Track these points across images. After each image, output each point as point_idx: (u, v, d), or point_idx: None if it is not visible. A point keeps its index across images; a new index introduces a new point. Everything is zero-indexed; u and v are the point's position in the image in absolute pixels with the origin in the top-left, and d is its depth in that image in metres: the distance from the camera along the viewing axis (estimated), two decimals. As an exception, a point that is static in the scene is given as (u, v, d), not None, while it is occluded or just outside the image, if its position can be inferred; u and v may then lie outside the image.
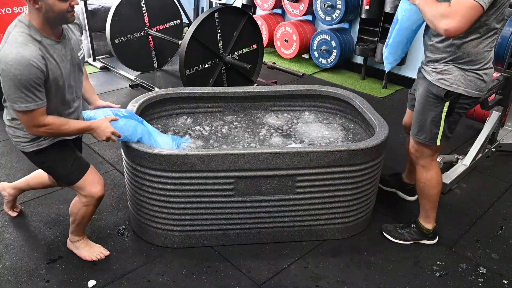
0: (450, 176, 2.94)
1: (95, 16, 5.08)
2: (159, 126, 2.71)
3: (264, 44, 4.98)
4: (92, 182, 2.07)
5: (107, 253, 2.28)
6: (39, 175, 2.42)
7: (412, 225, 2.42)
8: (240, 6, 5.51)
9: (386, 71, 2.31)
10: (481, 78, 1.99)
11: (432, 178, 2.25)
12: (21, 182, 2.48)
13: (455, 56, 1.97)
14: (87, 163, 2.12)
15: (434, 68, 2.06)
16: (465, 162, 3.09)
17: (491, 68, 2.03)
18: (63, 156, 2.05)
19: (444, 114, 2.08)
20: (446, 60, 2.00)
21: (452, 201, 2.83)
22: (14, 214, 2.55)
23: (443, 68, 2.02)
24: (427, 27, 2.09)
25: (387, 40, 2.37)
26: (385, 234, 2.44)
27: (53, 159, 2.04)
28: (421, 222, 2.39)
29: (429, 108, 2.10)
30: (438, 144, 2.16)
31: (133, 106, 2.52)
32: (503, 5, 1.85)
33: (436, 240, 2.42)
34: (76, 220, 2.16)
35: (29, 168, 3.05)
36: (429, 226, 2.38)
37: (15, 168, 3.06)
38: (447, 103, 2.05)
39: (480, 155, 3.18)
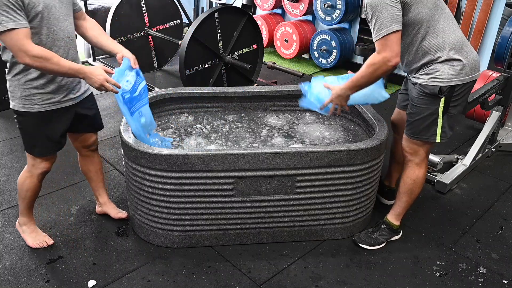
0: (450, 176, 2.94)
1: (95, 16, 5.08)
2: (160, 123, 2.71)
3: (264, 44, 4.98)
4: (44, 161, 2.15)
5: (51, 242, 2.33)
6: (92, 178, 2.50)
7: (382, 225, 2.41)
8: (240, 6, 5.51)
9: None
10: (463, 62, 2.03)
11: (422, 176, 2.27)
12: (98, 197, 2.56)
13: (429, 56, 2.04)
14: (54, 150, 2.17)
15: (421, 73, 2.10)
16: (465, 162, 3.09)
17: (467, 48, 2.06)
18: (39, 129, 2.07)
19: (441, 110, 2.10)
20: (425, 63, 2.07)
21: (452, 201, 2.83)
22: (124, 215, 2.54)
23: (429, 69, 2.06)
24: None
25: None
26: (361, 245, 2.38)
27: (29, 125, 2.07)
28: (390, 220, 2.40)
29: (425, 108, 2.11)
30: (438, 140, 2.16)
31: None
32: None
33: (401, 233, 2.46)
34: (21, 194, 2.23)
35: (29, 168, 3.05)
36: (398, 222, 2.40)
37: (15, 168, 3.06)
38: (442, 99, 2.07)
39: (480, 155, 3.18)
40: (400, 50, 1.96)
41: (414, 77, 2.15)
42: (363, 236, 2.40)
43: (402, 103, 2.47)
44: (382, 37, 1.91)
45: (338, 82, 2.24)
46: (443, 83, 2.04)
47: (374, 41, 1.97)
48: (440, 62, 2.03)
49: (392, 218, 2.40)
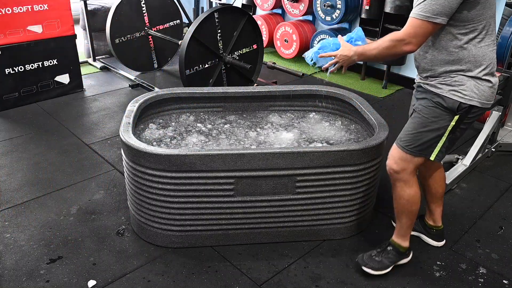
0: (450, 176, 2.94)
1: (95, 16, 5.08)
2: (161, 121, 2.71)
3: (264, 44, 4.98)
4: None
5: None
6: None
7: (388, 247, 2.20)
8: (240, 6, 5.51)
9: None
10: (490, 84, 1.85)
11: (415, 193, 2.08)
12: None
13: (461, 65, 1.82)
14: None
15: (441, 82, 1.88)
16: (465, 162, 3.09)
17: (497, 74, 1.91)
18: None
19: (449, 128, 1.91)
20: (450, 70, 1.85)
21: (452, 201, 2.83)
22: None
23: (453, 79, 1.85)
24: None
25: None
26: (365, 269, 2.16)
27: None
28: (397, 241, 2.20)
29: (433, 121, 1.91)
30: (432, 158, 1.98)
31: (133, 106, 2.52)
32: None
33: (411, 255, 2.26)
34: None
35: (29, 168, 3.06)
36: (405, 244, 2.20)
37: (15, 168, 3.06)
38: (456, 117, 1.88)
39: (480, 155, 3.18)
40: (424, 42, 1.80)
41: (429, 84, 1.93)
42: (367, 258, 2.19)
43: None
44: (420, 19, 1.71)
45: (349, 41, 2.10)
46: (464, 100, 1.83)
47: (411, 14, 1.76)
48: (469, 77, 1.83)
49: (398, 239, 2.20)
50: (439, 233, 2.42)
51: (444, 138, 1.94)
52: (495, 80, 1.87)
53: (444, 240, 2.43)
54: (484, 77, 1.83)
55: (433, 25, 1.72)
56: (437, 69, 1.88)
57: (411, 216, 2.13)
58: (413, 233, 2.47)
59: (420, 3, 1.71)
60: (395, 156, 2.04)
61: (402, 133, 2.03)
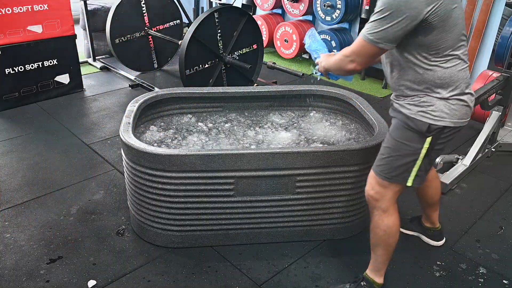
0: (450, 176, 2.94)
1: (95, 16, 5.08)
2: (162, 123, 2.71)
3: (264, 44, 4.98)
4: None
5: None
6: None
7: (362, 282, 2.05)
8: (240, 6, 5.51)
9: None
10: (466, 104, 1.73)
11: (394, 224, 1.93)
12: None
13: (428, 84, 1.70)
14: None
15: (409, 102, 1.76)
16: (465, 162, 3.09)
17: (472, 92, 1.78)
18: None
19: (424, 151, 1.77)
20: (419, 90, 1.73)
21: (452, 201, 2.83)
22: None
23: (421, 99, 1.73)
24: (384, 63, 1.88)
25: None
26: None
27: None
28: (371, 276, 2.04)
29: (406, 144, 1.78)
30: (409, 184, 1.84)
31: (133, 106, 2.52)
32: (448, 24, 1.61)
33: None
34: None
35: (29, 168, 3.06)
36: (380, 280, 2.03)
37: (15, 168, 3.06)
38: (428, 139, 1.75)
39: (480, 155, 3.18)
40: (370, 62, 1.76)
41: (399, 104, 1.81)
42: None
43: None
44: (364, 40, 1.64)
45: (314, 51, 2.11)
46: (434, 121, 1.71)
47: (362, 30, 1.68)
48: (437, 98, 1.71)
49: (372, 274, 2.04)
50: (437, 233, 2.41)
51: (419, 162, 1.79)
52: (469, 97, 1.75)
53: (444, 239, 2.42)
54: (454, 97, 1.70)
55: (377, 49, 1.64)
56: (404, 89, 1.77)
57: (387, 248, 1.97)
58: (412, 233, 2.49)
59: (369, 22, 1.64)
60: (372, 183, 1.92)
61: (377, 157, 1.91)
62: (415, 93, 1.74)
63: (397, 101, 1.83)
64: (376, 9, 1.60)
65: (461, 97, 1.72)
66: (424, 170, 1.83)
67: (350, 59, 1.74)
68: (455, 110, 1.71)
